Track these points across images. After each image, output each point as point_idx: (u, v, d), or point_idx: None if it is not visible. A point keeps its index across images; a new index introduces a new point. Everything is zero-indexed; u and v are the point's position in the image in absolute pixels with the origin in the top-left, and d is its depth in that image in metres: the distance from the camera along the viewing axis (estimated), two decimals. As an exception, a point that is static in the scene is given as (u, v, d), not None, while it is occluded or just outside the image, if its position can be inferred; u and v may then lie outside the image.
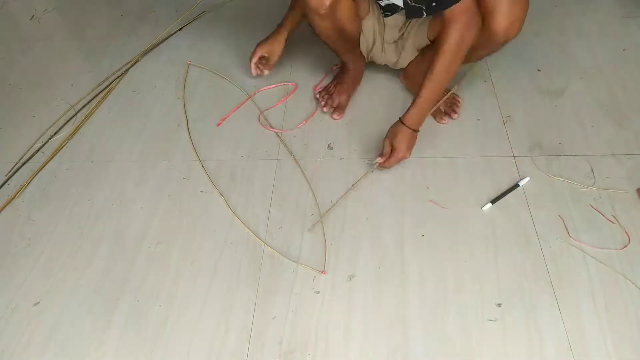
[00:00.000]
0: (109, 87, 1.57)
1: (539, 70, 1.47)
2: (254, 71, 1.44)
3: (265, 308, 1.03)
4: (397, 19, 1.27)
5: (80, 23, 1.88)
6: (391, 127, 1.21)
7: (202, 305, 1.04)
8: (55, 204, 1.26)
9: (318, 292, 1.04)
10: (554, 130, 1.29)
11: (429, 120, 1.33)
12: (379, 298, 1.02)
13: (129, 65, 1.64)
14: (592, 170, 1.20)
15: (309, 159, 1.29)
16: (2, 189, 1.32)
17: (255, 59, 1.42)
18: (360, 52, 1.40)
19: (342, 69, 1.43)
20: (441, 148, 1.28)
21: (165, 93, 1.53)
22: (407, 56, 1.36)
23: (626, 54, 1.48)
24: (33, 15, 1.96)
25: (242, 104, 1.45)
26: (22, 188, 1.31)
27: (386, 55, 1.39)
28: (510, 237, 1.09)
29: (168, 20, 1.80)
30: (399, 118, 1.20)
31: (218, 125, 1.40)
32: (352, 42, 1.35)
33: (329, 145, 1.32)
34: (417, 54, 1.35)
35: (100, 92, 1.56)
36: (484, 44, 1.15)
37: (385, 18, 1.27)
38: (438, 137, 1.30)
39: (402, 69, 1.42)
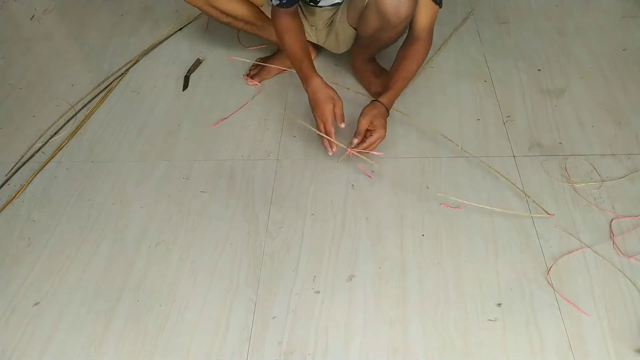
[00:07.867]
0: (109, 87, 1.57)
1: (539, 70, 1.46)
2: (333, 149, 1.19)
3: (265, 308, 1.03)
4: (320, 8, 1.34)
5: (80, 23, 1.88)
6: (368, 107, 1.19)
7: (202, 305, 1.04)
8: (55, 204, 1.26)
9: (318, 292, 1.04)
10: (554, 130, 1.29)
11: (430, 120, 1.34)
12: (379, 298, 1.02)
13: (129, 65, 1.64)
14: (592, 170, 1.20)
15: (309, 159, 1.29)
16: (2, 189, 1.32)
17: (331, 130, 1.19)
18: None
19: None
20: (441, 148, 1.28)
21: (165, 93, 1.53)
22: (343, 43, 1.41)
23: (626, 54, 1.48)
24: (33, 15, 1.96)
25: (241, 108, 1.46)
26: (22, 188, 1.31)
27: (318, 38, 1.45)
28: (510, 237, 1.09)
29: (168, 20, 1.80)
30: (376, 99, 1.21)
31: (213, 126, 1.40)
32: (251, 24, 1.40)
33: (329, 145, 1.32)
34: (352, 41, 1.40)
35: (100, 92, 1.56)
36: (381, 26, 1.19)
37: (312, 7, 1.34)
38: (438, 137, 1.30)
39: (352, 65, 1.48)
